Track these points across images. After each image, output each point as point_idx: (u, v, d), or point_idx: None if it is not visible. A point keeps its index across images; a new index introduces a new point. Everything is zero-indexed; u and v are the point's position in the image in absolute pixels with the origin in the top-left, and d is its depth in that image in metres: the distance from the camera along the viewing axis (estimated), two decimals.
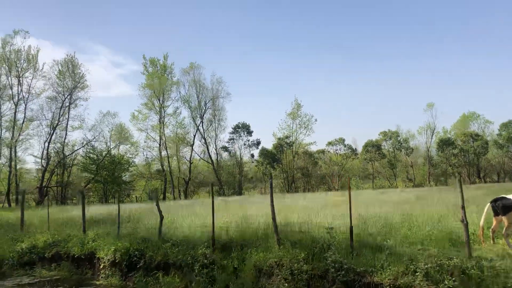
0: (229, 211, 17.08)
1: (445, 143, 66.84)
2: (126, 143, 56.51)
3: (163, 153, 55.76)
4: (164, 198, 54.30)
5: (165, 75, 56.90)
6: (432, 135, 67.27)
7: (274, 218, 9.77)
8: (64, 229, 16.30)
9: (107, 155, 52.93)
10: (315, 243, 9.17)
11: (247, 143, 61.89)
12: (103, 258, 12.68)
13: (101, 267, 12.69)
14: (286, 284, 8.69)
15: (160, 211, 12.60)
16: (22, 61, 51.14)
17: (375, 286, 7.70)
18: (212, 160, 58.63)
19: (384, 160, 62.97)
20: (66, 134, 53.41)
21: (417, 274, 7.45)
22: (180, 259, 10.93)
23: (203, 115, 58.31)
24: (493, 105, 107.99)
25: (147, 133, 56.93)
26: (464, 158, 66.98)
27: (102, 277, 12.44)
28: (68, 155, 53.75)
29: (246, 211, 15.71)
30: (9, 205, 47.01)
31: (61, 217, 21.16)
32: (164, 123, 56.02)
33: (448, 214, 12.14)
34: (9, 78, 50.19)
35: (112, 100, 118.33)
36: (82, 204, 15.11)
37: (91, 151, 53.25)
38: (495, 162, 71.09)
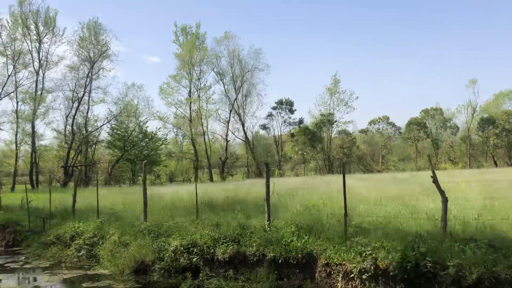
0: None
1: (486, 122, 63.18)
2: (150, 118, 51.30)
3: (197, 129, 50.72)
4: (196, 179, 49.60)
5: (197, 44, 51.60)
6: (474, 113, 63.51)
7: None
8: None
9: (134, 131, 47.86)
10: None
11: (287, 121, 56.88)
12: (339, 265, 8.22)
13: (339, 278, 8.22)
14: None
15: (442, 191, 8.07)
16: (40, 24, 45.47)
17: None
18: (247, 139, 53.74)
19: (428, 140, 58.88)
20: (88, 108, 48.23)
21: None
22: None
23: (239, 90, 53.22)
24: None
25: (176, 108, 51.92)
26: (507, 138, 63.53)
27: None
28: (93, 131, 48.63)
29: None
30: (32, 186, 41.94)
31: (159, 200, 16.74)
32: (199, 97, 50.90)
33: None
34: (28, 42, 44.55)
35: None
36: (266, 179, 10.36)
37: (117, 126, 48.18)
38: None
